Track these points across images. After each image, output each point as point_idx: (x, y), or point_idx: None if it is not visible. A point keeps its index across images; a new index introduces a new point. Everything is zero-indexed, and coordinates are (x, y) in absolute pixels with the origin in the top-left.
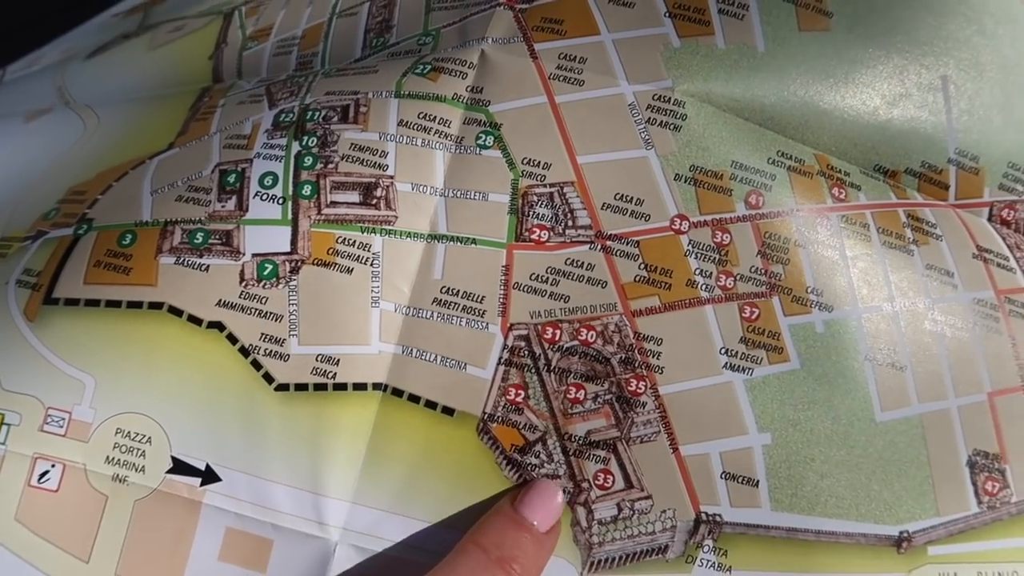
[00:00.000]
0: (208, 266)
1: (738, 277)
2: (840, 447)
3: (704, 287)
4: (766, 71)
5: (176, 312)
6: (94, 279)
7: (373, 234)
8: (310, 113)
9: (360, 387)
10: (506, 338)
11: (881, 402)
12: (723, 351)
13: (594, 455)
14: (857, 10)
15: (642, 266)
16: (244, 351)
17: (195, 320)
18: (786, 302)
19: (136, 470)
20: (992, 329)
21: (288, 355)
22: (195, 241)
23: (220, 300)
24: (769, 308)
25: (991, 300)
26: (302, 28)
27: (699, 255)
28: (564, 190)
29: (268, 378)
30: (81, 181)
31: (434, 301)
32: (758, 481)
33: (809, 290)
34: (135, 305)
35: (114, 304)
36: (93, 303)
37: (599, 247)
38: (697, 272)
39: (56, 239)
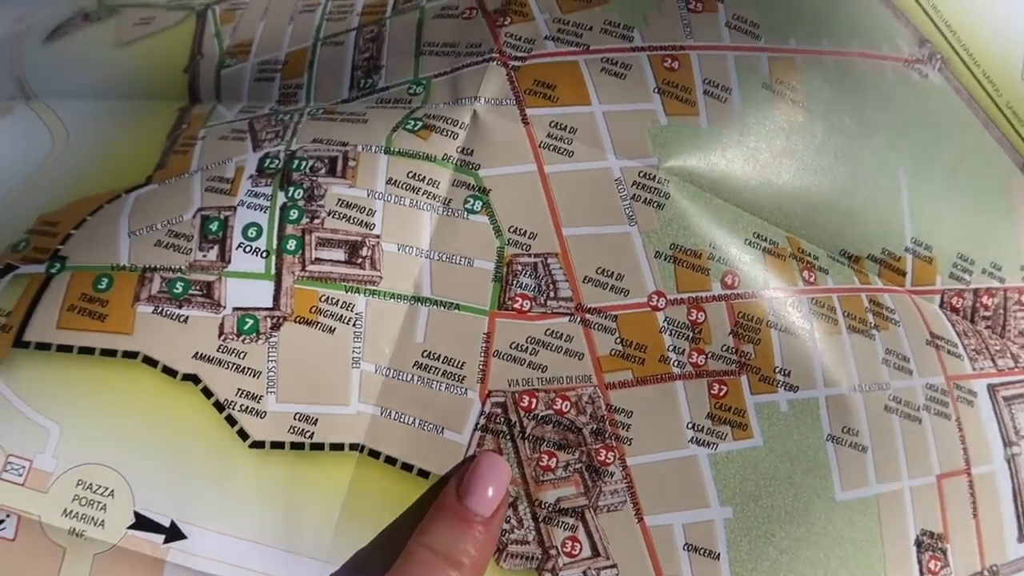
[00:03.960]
0: (187, 317)
1: (709, 355)
2: (800, 524)
3: (676, 363)
4: (744, 155)
5: (151, 362)
6: (68, 324)
7: (357, 294)
8: (297, 162)
9: (337, 447)
10: (484, 404)
11: (842, 482)
12: (690, 425)
13: (563, 522)
14: (826, 103)
15: (618, 340)
16: (219, 406)
17: (170, 372)
18: (754, 381)
19: (95, 524)
20: (942, 414)
21: (265, 412)
22: (174, 291)
23: (197, 352)
24: (737, 386)
25: (941, 386)
26: (284, 51)
27: (674, 332)
28: (548, 261)
29: (243, 434)
30: (52, 210)
31: (415, 364)
32: (719, 554)
33: (777, 370)
34: (109, 353)
35: (87, 351)
36: (65, 349)
37: (578, 320)
38: (671, 348)
39: (27, 276)
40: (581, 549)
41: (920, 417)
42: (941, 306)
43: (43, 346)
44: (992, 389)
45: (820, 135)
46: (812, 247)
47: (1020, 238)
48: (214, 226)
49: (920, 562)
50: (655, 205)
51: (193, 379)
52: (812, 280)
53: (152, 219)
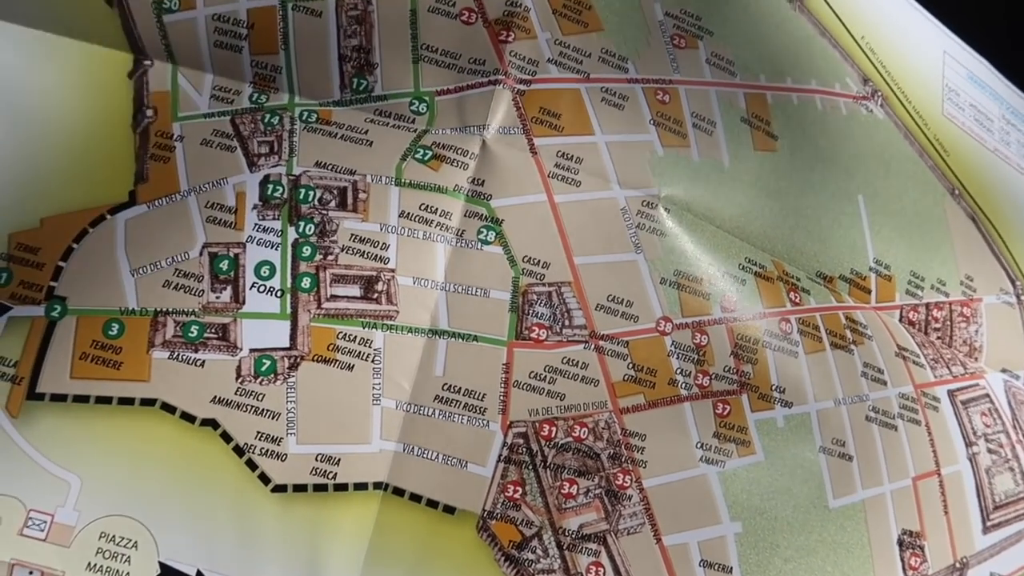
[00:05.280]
0: (204, 361)
1: (713, 376)
2: (800, 533)
3: (684, 385)
4: (731, 184)
5: (169, 409)
6: (82, 373)
7: (374, 329)
8: (304, 192)
9: (361, 487)
10: (506, 436)
11: (833, 490)
12: (699, 445)
13: (586, 548)
14: (795, 136)
15: (630, 365)
16: (239, 450)
17: (188, 417)
18: (753, 399)
19: None
20: (914, 420)
21: (286, 454)
22: (189, 335)
23: (215, 397)
24: (739, 405)
25: (911, 394)
26: (244, 5)
27: (680, 355)
28: (562, 290)
29: (264, 478)
30: (21, 227)
31: (436, 398)
32: (732, 568)
33: (774, 388)
34: (126, 401)
35: (104, 400)
36: (82, 399)
37: (593, 347)
38: (678, 371)
39: (26, 320)
40: (605, 573)
41: (896, 424)
42: (900, 320)
43: (58, 397)
44: (951, 394)
45: (791, 165)
46: (794, 269)
47: (958, 256)
48: (224, 264)
49: (903, 560)
50: (658, 233)
51: (212, 424)
52: (798, 301)
53: (155, 256)
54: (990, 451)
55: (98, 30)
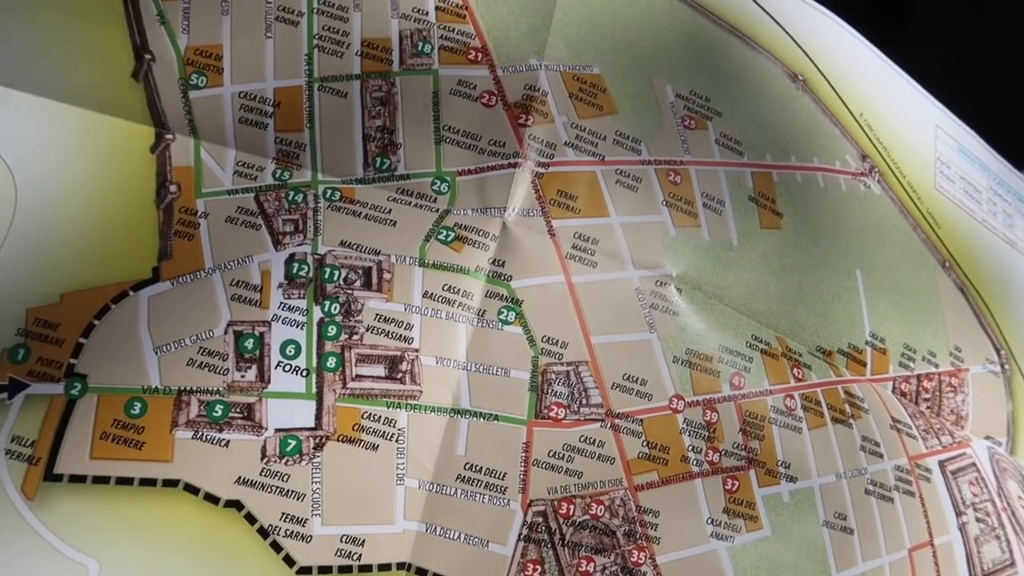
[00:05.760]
0: (228, 441)
1: (723, 452)
2: None
3: (695, 462)
4: (739, 262)
5: (192, 490)
6: (102, 453)
7: (399, 409)
8: (329, 272)
9: (385, 567)
10: (526, 514)
11: (836, 563)
12: (710, 521)
13: None
14: (798, 213)
15: (644, 443)
16: (263, 532)
17: (212, 498)
18: (760, 475)
19: None
20: (908, 492)
21: (311, 536)
22: (214, 414)
23: (240, 477)
24: (747, 480)
25: (905, 466)
26: (271, 84)
27: (692, 433)
28: (579, 369)
29: (289, 560)
30: (41, 303)
31: (458, 478)
32: None
33: (779, 463)
34: (148, 482)
35: (125, 481)
36: (102, 480)
37: (609, 425)
38: (690, 448)
39: (44, 399)
40: None
41: (892, 497)
42: (893, 391)
43: (78, 478)
44: (942, 464)
45: (795, 242)
46: (796, 345)
47: (948, 327)
48: (250, 343)
49: None
50: (671, 312)
51: (236, 505)
52: (800, 376)
53: (179, 333)
54: (978, 520)
55: (122, 104)
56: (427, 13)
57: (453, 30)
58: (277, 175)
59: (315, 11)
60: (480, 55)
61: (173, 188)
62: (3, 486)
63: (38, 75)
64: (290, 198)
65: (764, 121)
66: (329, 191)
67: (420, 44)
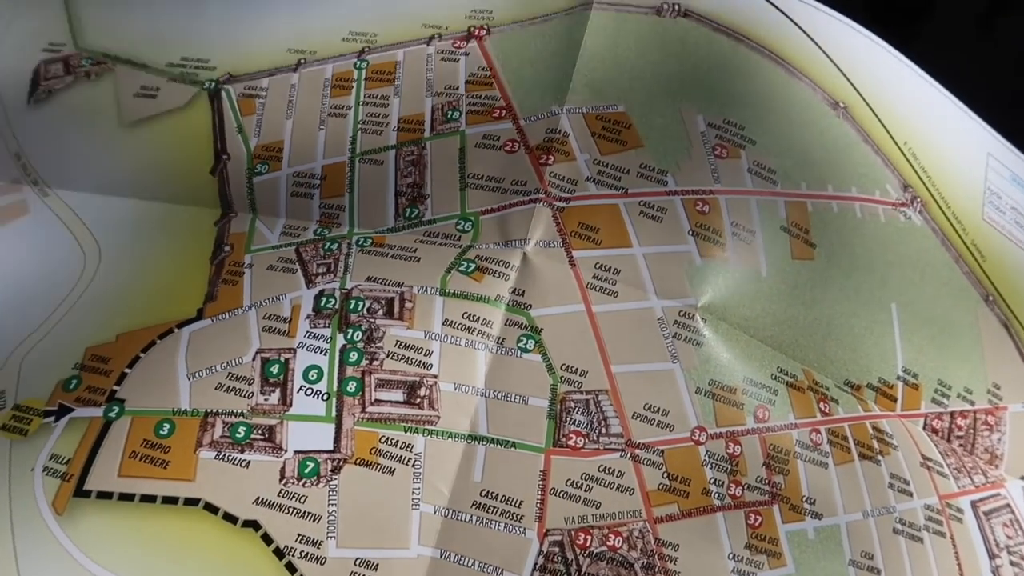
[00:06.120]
0: (248, 462)
1: (746, 486)
2: None
3: (717, 495)
4: (767, 293)
5: (212, 509)
6: (129, 471)
7: (416, 434)
8: (354, 303)
9: None
10: (542, 544)
11: None
12: (731, 556)
13: None
14: (832, 244)
15: (665, 475)
16: (279, 552)
17: (231, 518)
18: (784, 510)
19: None
20: (938, 532)
21: (325, 558)
22: (236, 435)
23: (258, 498)
24: (770, 516)
25: (936, 505)
26: (320, 163)
27: (714, 465)
28: (599, 398)
29: None
30: (99, 342)
31: (473, 504)
32: None
33: (804, 499)
34: (170, 500)
35: (149, 499)
36: (127, 497)
37: (629, 455)
38: (712, 481)
39: (85, 420)
40: None
41: (922, 537)
42: (924, 428)
43: (104, 495)
44: (974, 505)
45: (827, 274)
46: (823, 378)
47: (987, 364)
48: (275, 368)
49: None
50: (694, 343)
51: (254, 525)
52: (827, 411)
53: (211, 361)
54: (1012, 564)
55: (199, 196)
56: (458, 88)
57: (480, 96)
58: (318, 232)
59: (361, 103)
60: (504, 112)
61: (227, 248)
62: (36, 501)
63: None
64: (326, 247)
65: (801, 149)
66: (362, 239)
67: (449, 112)
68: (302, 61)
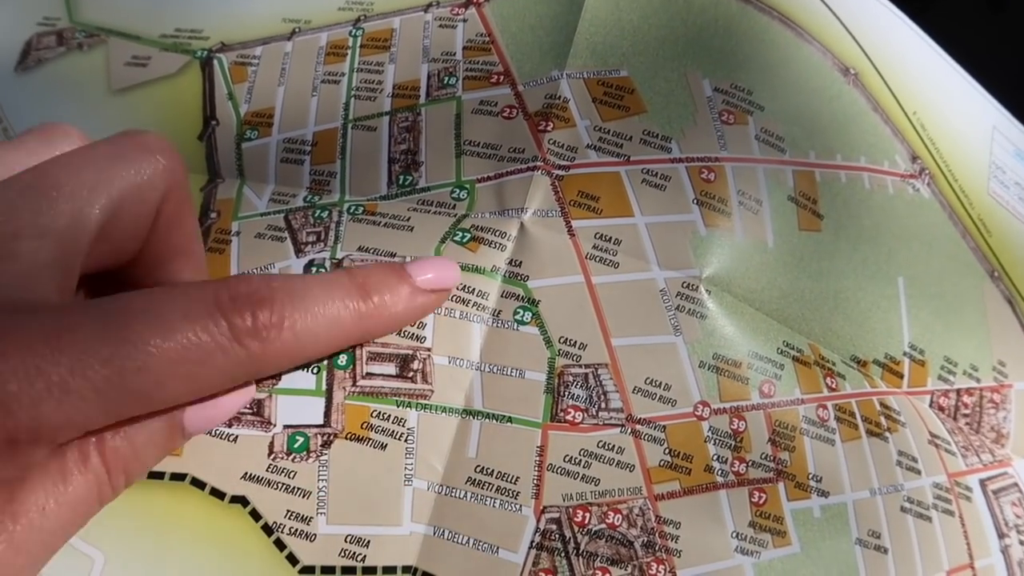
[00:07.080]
0: (236, 436)
1: (750, 463)
2: None
3: (720, 472)
4: (773, 265)
5: (199, 484)
6: None
7: (409, 408)
8: None
9: (390, 570)
10: (539, 521)
11: None
12: (734, 535)
13: None
14: (840, 215)
15: (666, 451)
16: (267, 529)
17: (218, 493)
18: (790, 488)
19: None
20: (947, 511)
21: (315, 535)
22: None
23: (246, 473)
24: (775, 493)
25: (944, 484)
26: (311, 130)
27: (717, 441)
28: (598, 372)
29: (292, 559)
30: None
31: (468, 480)
32: None
33: (810, 476)
34: (156, 475)
35: None
36: None
37: (629, 431)
38: (715, 458)
39: None
40: None
41: (930, 516)
42: (931, 405)
43: None
44: (983, 483)
45: (835, 246)
46: (830, 353)
47: (993, 340)
48: None
49: None
50: (698, 316)
51: (241, 501)
52: (834, 386)
53: None
54: (1021, 543)
55: (187, 160)
56: (455, 54)
57: (478, 62)
58: (307, 199)
59: (356, 70)
60: (502, 77)
61: (213, 215)
62: None
63: None
64: (316, 215)
65: (810, 116)
66: (353, 207)
67: (446, 78)
68: (297, 30)
